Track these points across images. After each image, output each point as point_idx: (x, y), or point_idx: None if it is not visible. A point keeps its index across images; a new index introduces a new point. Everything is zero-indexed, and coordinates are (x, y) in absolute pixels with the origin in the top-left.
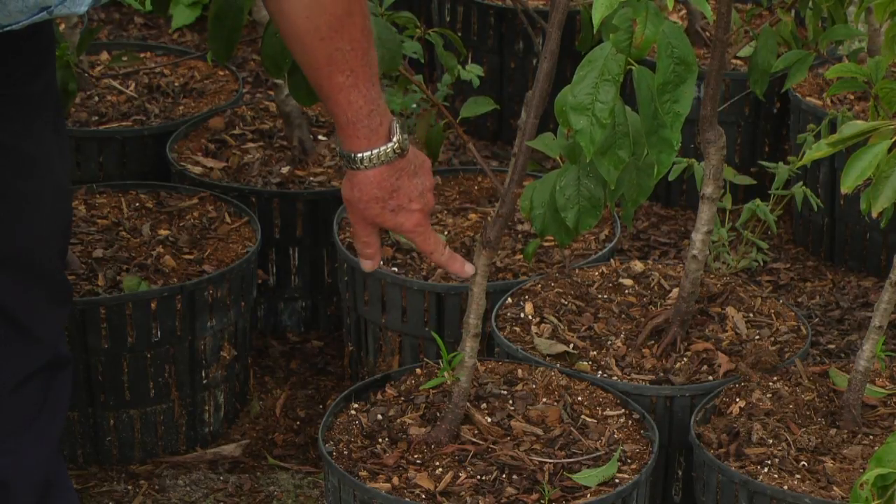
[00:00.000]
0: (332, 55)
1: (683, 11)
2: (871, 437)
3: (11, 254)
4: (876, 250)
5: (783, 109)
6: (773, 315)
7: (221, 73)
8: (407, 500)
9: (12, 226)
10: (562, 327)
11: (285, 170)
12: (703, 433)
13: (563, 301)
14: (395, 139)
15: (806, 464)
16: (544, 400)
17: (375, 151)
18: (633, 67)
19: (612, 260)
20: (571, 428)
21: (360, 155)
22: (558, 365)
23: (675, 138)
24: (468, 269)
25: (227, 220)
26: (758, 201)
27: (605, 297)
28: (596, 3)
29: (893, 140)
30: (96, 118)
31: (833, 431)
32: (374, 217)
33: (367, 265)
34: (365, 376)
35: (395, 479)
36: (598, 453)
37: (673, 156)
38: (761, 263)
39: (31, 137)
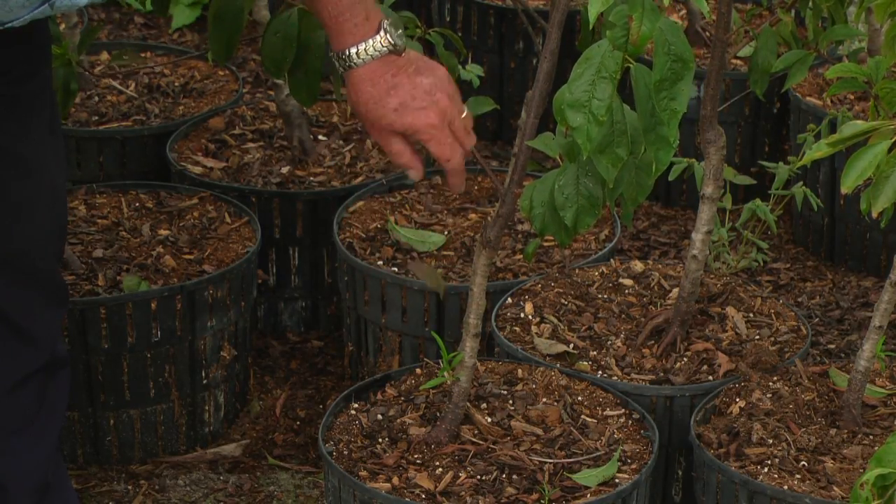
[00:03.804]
0: None
1: (683, 11)
2: (871, 437)
3: (7, 255)
4: (876, 250)
5: (783, 109)
6: (773, 315)
7: (221, 73)
8: (407, 500)
9: (8, 227)
10: (562, 327)
11: (285, 170)
12: (703, 433)
13: (563, 301)
14: (383, 33)
15: (806, 464)
16: (544, 400)
17: (362, 46)
18: (631, 65)
19: (612, 260)
20: (571, 428)
21: (347, 51)
22: (558, 365)
23: (673, 136)
24: (459, 187)
25: (227, 220)
26: (758, 201)
27: (605, 297)
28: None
29: (893, 140)
30: (96, 118)
31: (833, 431)
32: (380, 120)
33: (411, 174)
34: (365, 376)
35: (395, 479)
36: (598, 453)
37: (671, 153)
38: (761, 263)
39: (26, 138)
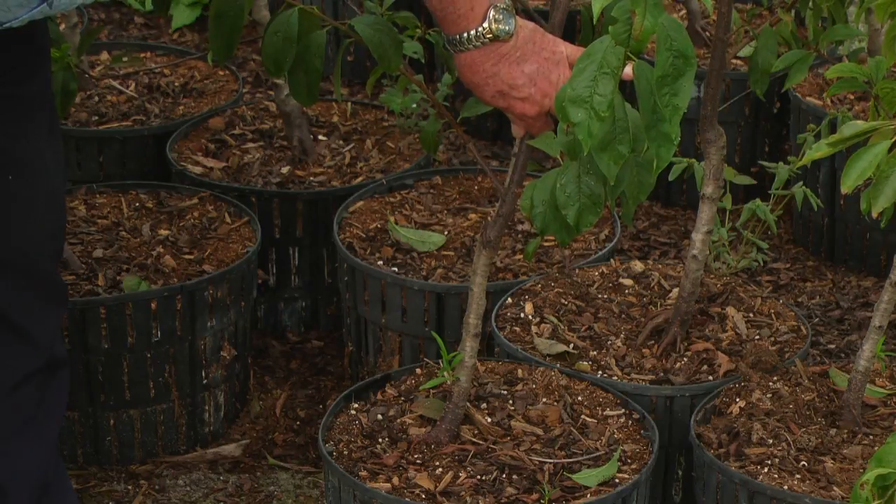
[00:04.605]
0: None
1: (683, 11)
2: (871, 437)
3: (6, 256)
4: (876, 250)
5: (783, 109)
6: (773, 315)
7: (221, 73)
8: (407, 500)
9: (7, 228)
10: (562, 327)
11: (285, 170)
12: (703, 433)
13: (563, 301)
14: (486, 23)
15: (806, 464)
16: (544, 400)
17: (465, 35)
18: (633, 61)
19: (612, 260)
20: (571, 428)
21: (451, 37)
22: (558, 365)
23: (675, 132)
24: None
25: (227, 220)
26: (758, 201)
27: (605, 297)
28: None
29: (893, 140)
30: (96, 118)
31: (833, 431)
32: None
33: (513, 130)
34: (365, 376)
35: (395, 479)
36: (598, 453)
37: (672, 150)
38: (761, 263)
39: (25, 139)
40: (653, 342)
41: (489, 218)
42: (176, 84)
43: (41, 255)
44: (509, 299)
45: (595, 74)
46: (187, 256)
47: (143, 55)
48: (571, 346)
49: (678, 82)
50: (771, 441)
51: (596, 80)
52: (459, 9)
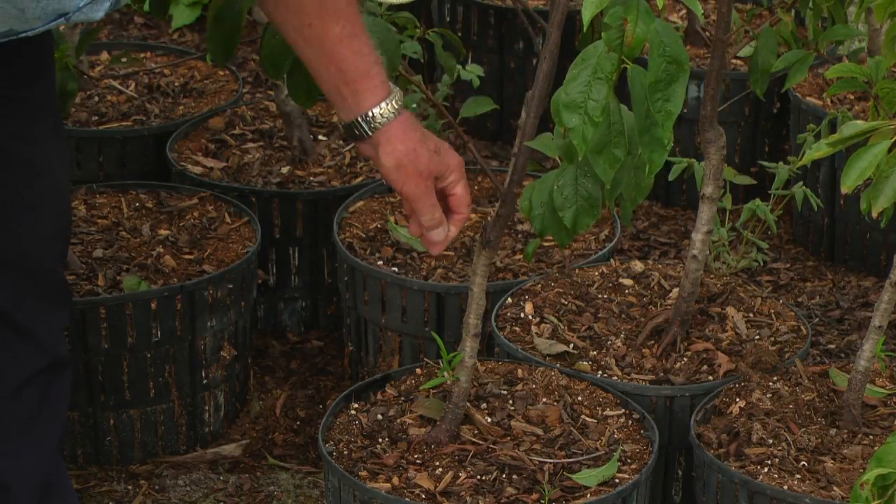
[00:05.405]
0: (322, 3)
1: (683, 11)
2: (871, 437)
3: (11, 257)
4: (876, 250)
5: (783, 109)
6: (773, 315)
7: (221, 73)
8: (407, 500)
9: (13, 229)
10: (562, 327)
11: (285, 170)
12: (703, 433)
13: (563, 301)
14: (391, 86)
15: (806, 464)
16: (544, 400)
17: (384, 104)
18: (628, 66)
19: (612, 260)
20: (571, 428)
21: (370, 113)
22: (558, 365)
23: (667, 137)
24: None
25: (227, 220)
26: (758, 201)
27: (605, 297)
28: (585, 1)
29: (893, 140)
30: (96, 118)
31: (833, 431)
32: (426, 164)
33: (436, 235)
34: (365, 376)
35: (395, 479)
36: (598, 453)
37: (664, 155)
38: (761, 263)
39: (31, 140)
40: (653, 342)
41: (489, 218)
42: (176, 84)
43: (46, 256)
44: (509, 299)
45: (589, 80)
46: (187, 256)
47: (142, 55)
48: (571, 346)
49: (671, 88)
50: (771, 441)
51: (590, 85)
52: (379, 75)
